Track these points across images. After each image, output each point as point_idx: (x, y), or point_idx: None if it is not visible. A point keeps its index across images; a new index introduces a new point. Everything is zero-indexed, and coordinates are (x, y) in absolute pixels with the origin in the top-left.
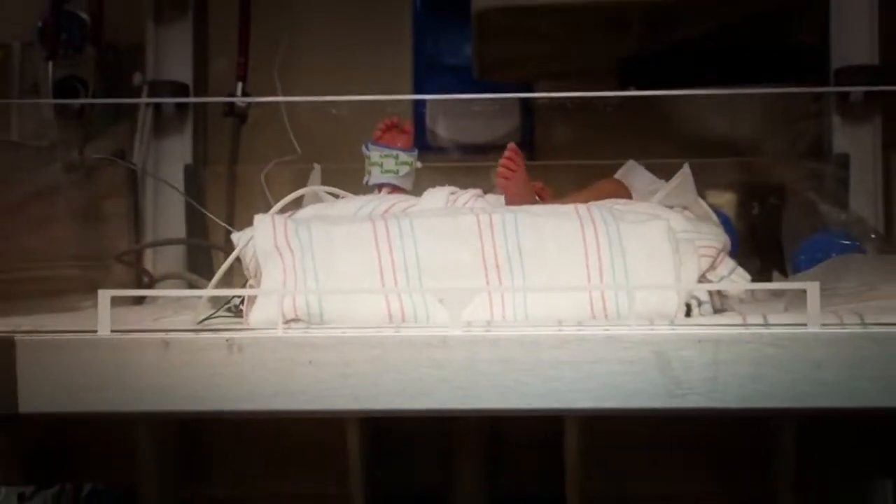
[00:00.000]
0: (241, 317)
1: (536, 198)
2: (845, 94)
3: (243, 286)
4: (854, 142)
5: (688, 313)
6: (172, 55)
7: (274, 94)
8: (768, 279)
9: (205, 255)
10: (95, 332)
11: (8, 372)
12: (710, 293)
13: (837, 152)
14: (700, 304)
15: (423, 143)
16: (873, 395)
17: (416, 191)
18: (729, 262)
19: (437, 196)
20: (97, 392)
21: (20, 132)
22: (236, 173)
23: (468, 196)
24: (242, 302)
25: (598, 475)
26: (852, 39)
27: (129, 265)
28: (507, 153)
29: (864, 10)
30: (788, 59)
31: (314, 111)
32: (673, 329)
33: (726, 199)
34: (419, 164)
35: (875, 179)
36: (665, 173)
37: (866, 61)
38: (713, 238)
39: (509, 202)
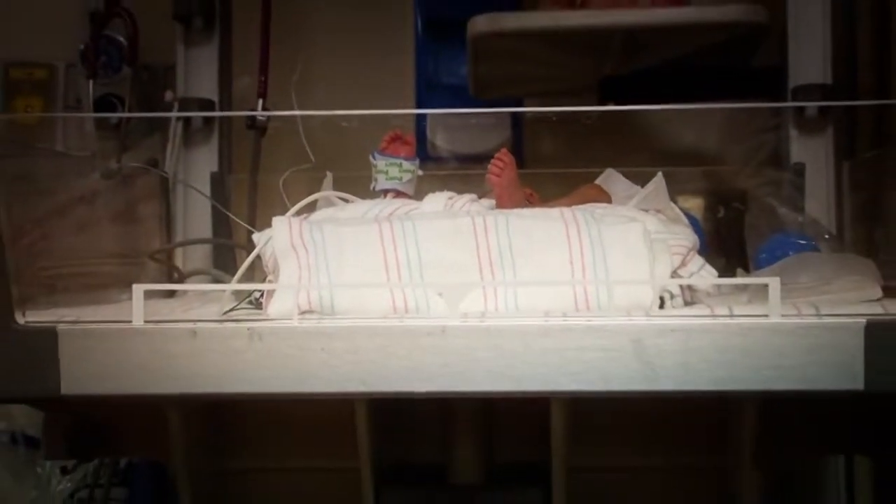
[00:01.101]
0: (261, 309)
1: (526, 200)
2: (801, 110)
3: (263, 281)
4: (809, 152)
5: (661, 305)
6: (200, 75)
7: (291, 108)
8: (733, 275)
9: (229, 253)
10: (130, 322)
11: (51, 358)
12: (681, 287)
13: (794, 162)
14: (672, 297)
15: (423, 153)
16: (828, 378)
17: (418, 195)
18: (698, 260)
19: (436, 200)
20: (132, 376)
21: (64, 143)
22: (257, 180)
23: (464, 200)
24: (262, 295)
25: (580, 448)
26: (807, 61)
27: (162, 263)
28: (497, 154)
29: (818, 34)
30: (750, 79)
31: (327, 124)
32: (648, 320)
33: (695, 204)
34: (420, 172)
35: (828, 186)
36: (640, 180)
37: (820, 80)
38: (683, 238)
39: (499, 198)
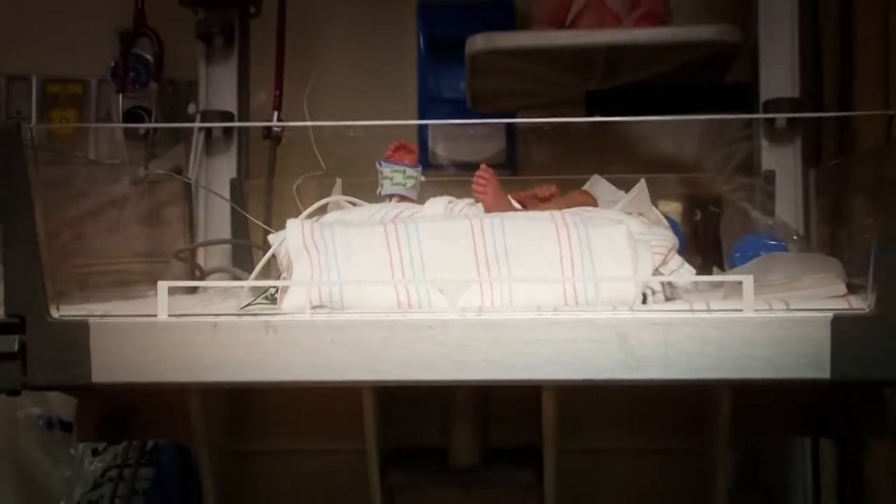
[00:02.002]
0: (276, 303)
1: (515, 205)
2: (771, 121)
3: (278, 278)
4: (779, 161)
5: (644, 301)
6: (220, 89)
7: (304, 120)
8: (709, 273)
9: (246, 252)
10: (156, 316)
11: (83, 349)
12: (662, 284)
13: (765, 169)
14: (654, 293)
15: (425, 160)
16: (797, 368)
17: (420, 200)
18: (677, 259)
19: (437, 204)
20: (157, 365)
21: (96, 152)
22: (272, 186)
23: (463, 204)
24: (277, 291)
25: (569, 432)
26: (777, 76)
27: (185, 261)
28: (478, 172)
29: (787, 52)
30: (724, 93)
31: (336, 134)
32: (632, 314)
33: (674, 208)
34: (423, 178)
35: (796, 191)
36: (624, 186)
37: (789, 94)
38: (664, 239)
39: (487, 209)
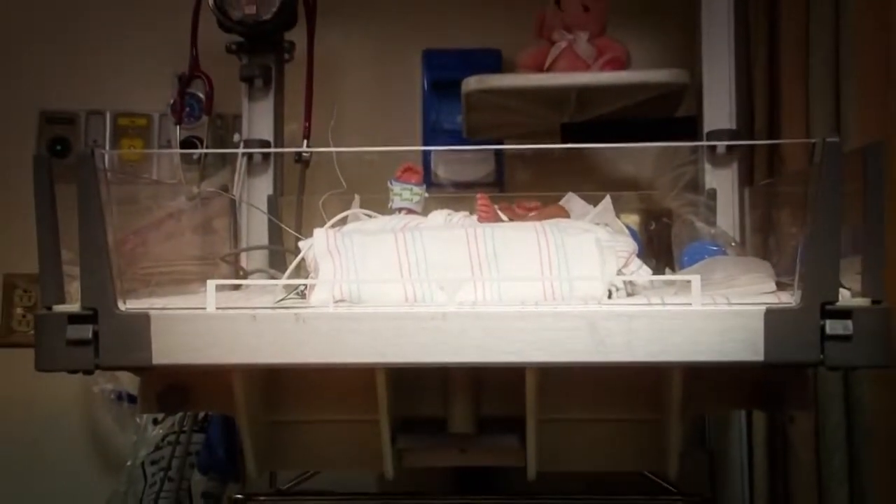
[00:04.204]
0: (305, 298)
1: (503, 216)
2: (713, 148)
3: (307, 278)
4: (719, 181)
5: (609, 296)
6: (260, 122)
7: (328, 147)
8: (663, 273)
9: (281, 256)
10: (205, 309)
11: (145, 336)
12: (625, 283)
13: (708, 188)
14: (618, 290)
15: (429, 180)
16: (736, 352)
17: (424, 212)
18: (637, 262)
19: (438, 216)
20: (206, 350)
21: (158, 174)
22: (302, 201)
23: (460, 216)
24: (306, 288)
25: (547, 405)
26: (718, 111)
27: (230, 264)
28: (480, 202)
29: (726, 91)
30: (675, 125)
31: (355, 158)
32: (600, 307)
33: (633, 219)
34: (426, 195)
35: (734, 206)
36: (593, 201)
37: (727, 126)
38: (626, 245)
39: (480, 221)
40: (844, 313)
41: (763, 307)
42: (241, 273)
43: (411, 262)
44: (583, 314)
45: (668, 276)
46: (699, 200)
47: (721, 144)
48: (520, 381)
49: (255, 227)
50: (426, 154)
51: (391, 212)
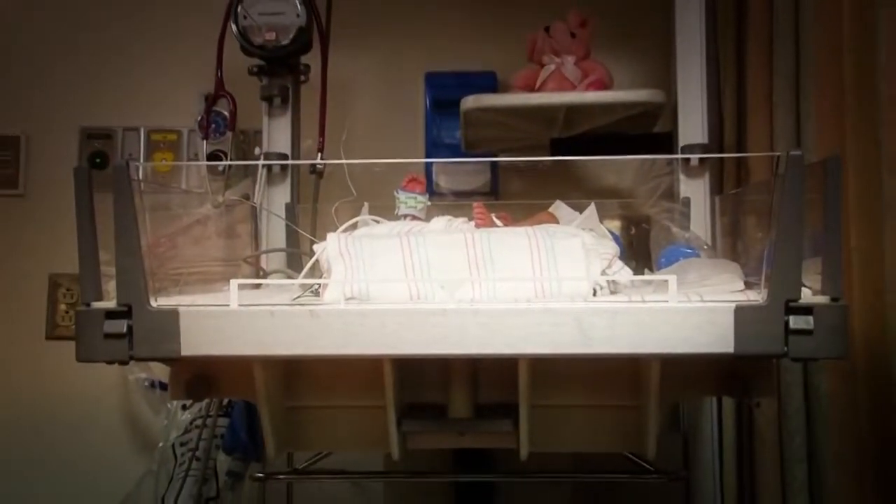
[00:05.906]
0: (319, 296)
1: (497, 222)
2: (687, 160)
3: (321, 278)
4: (693, 190)
5: (594, 294)
6: (278, 137)
7: (340, 159)
8: (642, 273)
9: (297, 258)
10: (228, 305)
11: (174, 330)
12: (608, 282)
13: (683, 196)
14: (602, 288)
15: (431, 190)
16: (709, 344)
17: (427, 219)
18: (619, 263)
19: (439, 222)
20: (230, 342)
21: (187, 184)
22: (317, 208)
23: (459, 222)
24: (320, 287)
25: (538, 392)
26: (691, 127)
27: (251, 265)
28: (476, 210)
29: (699, 109)
30: (653, 140)
31: (365, 170)
32: (586, 304)
33: (616, 225)
34: (429, 203)
35: (706, 213)
36: (579, 208)
37: (700, 140)
38: (609, 248)
39: (477, 227)
40: (806, 310)
41: (733, 304)
42: (262, 273)
43: (415, 263)
44: (570, 310)
45: (647, 277)
46: (675, 208)
47: (694, 157)
48: (513, 371)
49: (274, 231)
50: (429, 166)
51: (397, 218)
